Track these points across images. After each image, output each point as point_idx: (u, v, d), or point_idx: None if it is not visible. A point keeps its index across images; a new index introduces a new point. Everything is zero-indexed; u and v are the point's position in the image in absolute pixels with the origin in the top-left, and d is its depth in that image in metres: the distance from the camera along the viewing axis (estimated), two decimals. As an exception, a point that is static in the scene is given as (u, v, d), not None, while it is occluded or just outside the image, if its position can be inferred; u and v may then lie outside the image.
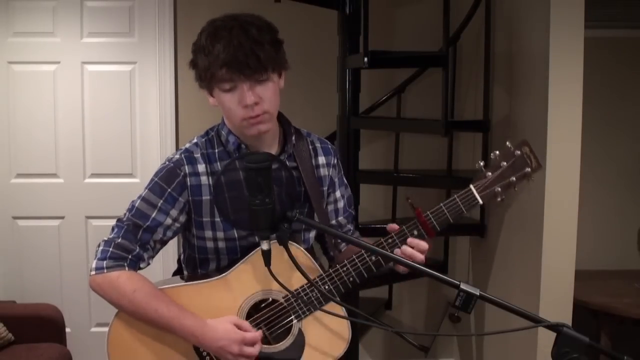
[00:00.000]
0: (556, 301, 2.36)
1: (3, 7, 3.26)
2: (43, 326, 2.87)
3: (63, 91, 3.32)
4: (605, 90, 3.14)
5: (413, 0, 3.35)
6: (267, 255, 1.34)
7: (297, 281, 1.46)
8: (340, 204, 1.70)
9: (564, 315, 2.34)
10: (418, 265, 1.31)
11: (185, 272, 1.67)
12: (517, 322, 1.13)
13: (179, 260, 1.75)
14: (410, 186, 3.25)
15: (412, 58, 2.89)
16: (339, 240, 1.72)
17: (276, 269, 1.38)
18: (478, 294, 1.11)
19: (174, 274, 1.75)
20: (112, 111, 3.35)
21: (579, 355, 1.04)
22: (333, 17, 2.84)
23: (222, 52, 1.36)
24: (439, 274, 1.19)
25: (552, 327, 1.06)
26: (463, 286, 1.12)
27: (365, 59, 2.52)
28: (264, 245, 1.34)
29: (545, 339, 1.49)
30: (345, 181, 1.73)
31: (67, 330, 3.03)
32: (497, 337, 2.84)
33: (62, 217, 3.39)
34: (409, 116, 3.29)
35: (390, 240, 1.48)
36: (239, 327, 1.45)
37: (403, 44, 3.25)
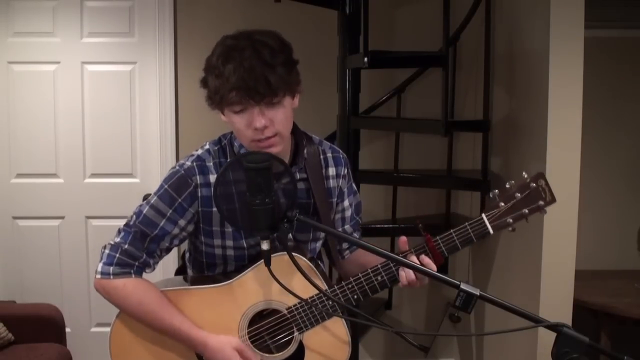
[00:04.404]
0: (556, 301, 2.36)
1: (3, 7, 3.26)
2: (43, 326, 2.87)
3: (63, 91, 3.32)
4: (605, 90, 3.14)
5: (413, 0, 3.35)
6: (267, 256, 1.33)
7: (300, 294, 1.41)
8: (348, 213, 1.69)
9: (564, 315, 2.34)
10: (418, 266, 1.31)
11: (189, 272, 1.67)
12: (517, 322, 1.13)
13: (182, 257, 1.75)
14: (410, 186, 3.26)
15: (412, 58, 2.90)
16: (344, 247, 1.71)
17: (282, 281, 1.37)
18: (478, 294, 1.12)
19: (178, 270, 1.76)
20: (112, 111, 3.35)
21: (579, 356, 1.04)
22: (333, 17, 2.84)
23: (232, 74, 1.34)
24: (439, 274, 1.20)
25: (552, 327, 1.06)
26: (463, 286, 1.12)
27: (365, 59, 2.52)
28: (264, 245, 1.33)
29: (545, 339, 1.49)
30: (355, 188, 1.72)
31: (67, 330, 3.03)
32: (497, 337, 2.84)
33: (62, 217, 3.40)
34: (409, 116, 3.29)
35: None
36: (240, 352, 1.45)
37: (403, 44, 3.25)
